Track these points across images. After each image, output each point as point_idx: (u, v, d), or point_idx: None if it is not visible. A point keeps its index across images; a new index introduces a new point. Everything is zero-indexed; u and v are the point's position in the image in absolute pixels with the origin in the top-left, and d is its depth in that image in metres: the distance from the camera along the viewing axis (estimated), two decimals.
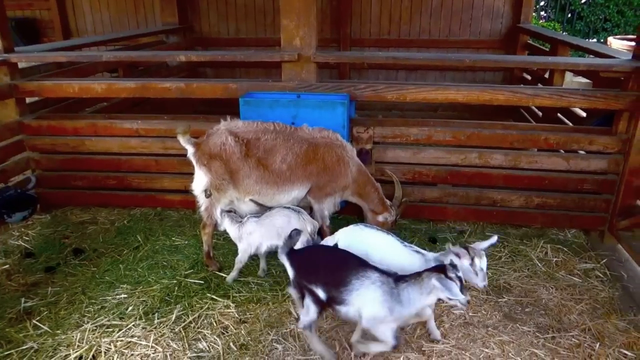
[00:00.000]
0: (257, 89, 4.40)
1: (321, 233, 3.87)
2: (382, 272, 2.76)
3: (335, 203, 3.92)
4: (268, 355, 3.05)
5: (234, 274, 3.74)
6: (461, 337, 3.18)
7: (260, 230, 3.59)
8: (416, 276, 2.70)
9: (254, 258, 3.78)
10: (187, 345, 3.09)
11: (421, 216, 4.67)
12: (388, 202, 4.08)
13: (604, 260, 4.09)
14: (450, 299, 2.58)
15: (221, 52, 4.72)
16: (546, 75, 6.40)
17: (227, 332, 3.23)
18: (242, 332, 3.23)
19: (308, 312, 2.84)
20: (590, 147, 4.26)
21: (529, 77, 7.25)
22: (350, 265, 2.79)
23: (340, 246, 3.26)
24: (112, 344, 3.09)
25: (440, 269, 2.65)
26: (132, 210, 4.91)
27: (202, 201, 3.73)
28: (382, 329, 2.71)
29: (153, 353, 3.02)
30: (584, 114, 5.23)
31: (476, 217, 4.59)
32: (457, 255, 2.93)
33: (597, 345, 3.11)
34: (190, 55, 4.84)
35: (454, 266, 2.68)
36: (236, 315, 3.37)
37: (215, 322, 3.31)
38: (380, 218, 4.04)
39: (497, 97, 4.19)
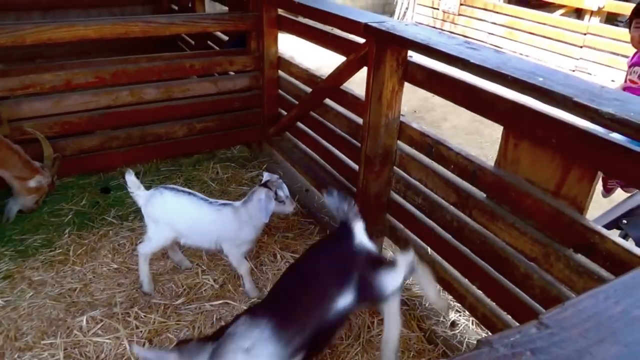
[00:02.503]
0: None
1: None
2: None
3: None
4: None
5: None
6: None
7: None
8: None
9: None
10: None
11: (86, 169, 4.27)
12: (37, 163, 3.57)
13: (265, 166, 4.68)
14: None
15: None
16: (190, 5, 6.53)
17: None
18: None
19: None
20: (232, 67, 4.63)
21: (177, 8, 7.27)
22: None
23: (145, 214, 2.93)
24: None
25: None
26: None
27: None
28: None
29: None
30: (227, 38, 5.60)
31: (147, 156, 4.51)
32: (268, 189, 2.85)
33: (265, 236, 3.61)
34: None
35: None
36: None
37: None
38: (32, 183, 3.51)
39: (132, 29, 3.99)
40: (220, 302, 2.98)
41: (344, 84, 3.70)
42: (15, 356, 2.56)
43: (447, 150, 2.75)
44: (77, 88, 3.97)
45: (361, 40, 3.26)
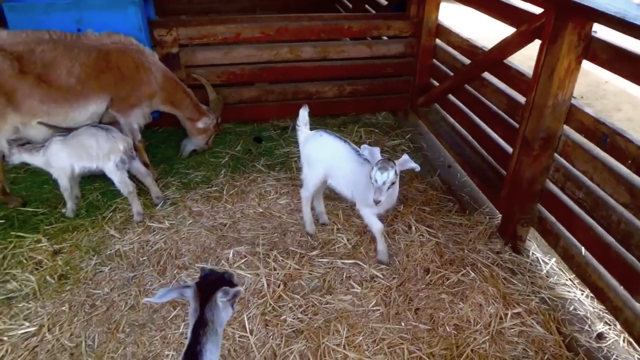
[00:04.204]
0: None
1: (136, 149, 3.63)
2: None
3: (144, 114, 3.65)
4: (92, 280, 2.90)
5: (69, 204, 3.38)
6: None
7: (67, 150, 3.19)
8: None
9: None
10: None
11: (243, 118, 4.65)
12: (204, 107, 3.95)
13: (408, 136, 4.60)
14: None
15: None
16: None
17: (42, 267, 2.97)
18: (60, 263, 3.00)
19: None
20: (388, 32, 4.56)
21: None
22: None
23: (302, 153, 3.17)
24: None
25: None
26: None
27: None
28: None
29: None
30: (385, 2, 5.51)
31: (296, 112, 4.70)
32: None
33: (402, 206, 3.58)
34: None
35: None
36: (50, 248, 3.09)
37: (26, 259, 3.02)
38: (200, 124, 3.92)
39: None
40: (351, 261, 3.06)
41: (507, 58, 3.43)
42: (174, 272, 2.95)
43: (626, 142, 2.41)
44: (244, 41, 4.26)
45: (537, 10, 2.96)
